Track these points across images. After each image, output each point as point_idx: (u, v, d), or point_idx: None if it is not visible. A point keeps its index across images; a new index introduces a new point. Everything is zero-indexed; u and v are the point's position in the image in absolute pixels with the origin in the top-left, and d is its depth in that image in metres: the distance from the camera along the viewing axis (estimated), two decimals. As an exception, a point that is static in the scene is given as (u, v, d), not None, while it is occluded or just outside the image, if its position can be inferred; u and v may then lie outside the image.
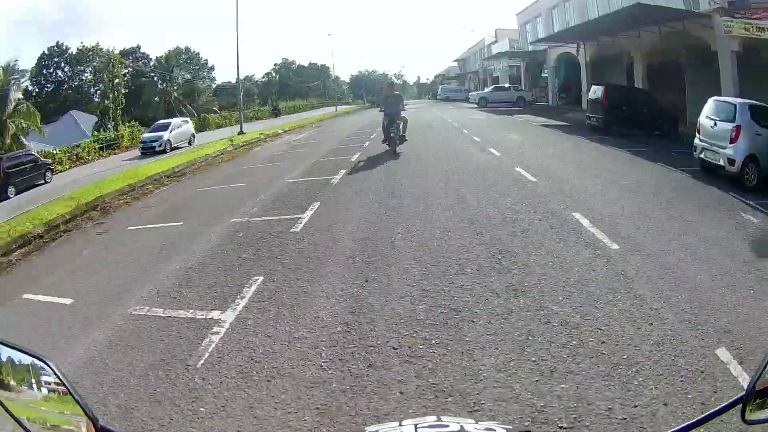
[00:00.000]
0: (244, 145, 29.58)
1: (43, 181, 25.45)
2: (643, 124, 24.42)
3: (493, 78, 67.72)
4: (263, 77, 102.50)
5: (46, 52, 69.47)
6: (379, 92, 55.54)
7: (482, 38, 71.84)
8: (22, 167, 24.41)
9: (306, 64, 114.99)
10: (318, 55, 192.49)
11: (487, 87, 65.51)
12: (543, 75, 50.67)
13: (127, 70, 72.53)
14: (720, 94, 22.85)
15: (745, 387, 1.25)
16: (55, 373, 1.26)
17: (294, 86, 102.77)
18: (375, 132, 27.07)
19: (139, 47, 75.78)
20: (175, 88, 68.84)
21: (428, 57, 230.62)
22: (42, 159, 27.00)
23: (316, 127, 41.10)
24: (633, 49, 31.75)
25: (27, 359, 1.29)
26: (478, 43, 75.40)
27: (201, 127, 48.95)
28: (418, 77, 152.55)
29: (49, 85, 70.11)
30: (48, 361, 1.28)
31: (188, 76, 77.22)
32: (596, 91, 26.13)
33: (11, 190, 23.12)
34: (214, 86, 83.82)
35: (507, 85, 54.33)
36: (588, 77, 38.90)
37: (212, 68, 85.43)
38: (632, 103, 25.14)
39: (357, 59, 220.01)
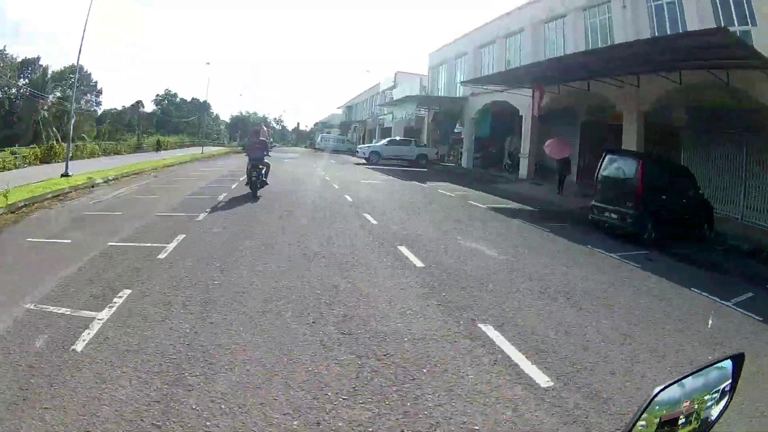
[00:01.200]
0: (25, 206, 14.57)
1: None
2: (686, 223, 14.13)
3: (383, 129, 55.52)
4: (130, 107, 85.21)
5: (-54, 54, 60.13)
6: (246, 137, 47.74)
7: (377, 82, 59.77)
8: None
9: (189, 99, 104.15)
10: (201, 91, 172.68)
11: (375, 139, 53.69)
12: (456, 130, 38.53)
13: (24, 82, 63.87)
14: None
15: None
16: None
17: (174, 120, 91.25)
18: (202, 213, 13.15)
19: (38, 59, 67.05)
20: (46, 108, 58.08)
21: (313, 102, 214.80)
22: None
23: (154, 175, 25.95)
24: (622, 101, 20.35)
25: None
26: (371, 87, 63.30)
27: (46, 157, 36.86)
28: (298, 123, 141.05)
29: (-57, 91, 60.84)
30: None
31: (58, 95, 63.64)
32: (621, 166, 14.36)
33: None
34: (100, 111, 78.12)
35: (406, 138, 41.90)
36: (533, 135, 28.39)
37: (100, 92, 79.03)
38: (672, 189, 14.05)
39: (239, 99, 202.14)
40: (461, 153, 37.65)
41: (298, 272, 8.15)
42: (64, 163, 23.44)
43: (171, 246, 9.57)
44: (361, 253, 9.66)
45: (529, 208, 17.96)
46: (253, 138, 19.33)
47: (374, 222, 12.83)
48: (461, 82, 32.40)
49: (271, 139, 59.78)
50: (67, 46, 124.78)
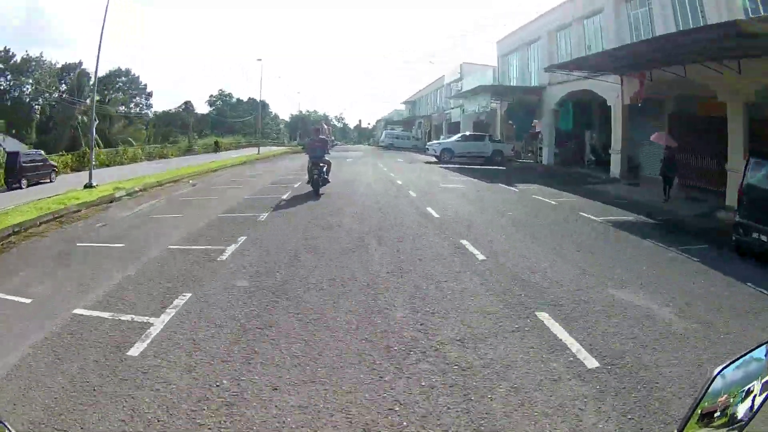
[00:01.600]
0: (14, 233, 11.64)
1: (48, 180, 27.14)
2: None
3: (450, 124, 50.95)
4: (180, 107, 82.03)
5: (-11, 58, 58.85)
6: (306, 137, 49.29)
7: (441, 75, 55.23)
8: (35, 164, 26.79)
9: (245, 99, 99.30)
10: (258, 91, 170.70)
11: (443, 135, 49.27)
12: (532, 123, 33.62)
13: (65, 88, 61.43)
14: None
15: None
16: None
17: (229, 121, 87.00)
18: (232, 243, 9.32)
19: (81, 63, 63.09)
20: (83, 111, 54.34)
21: (373, 99, 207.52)
22: (49, 161, 29.82)
23: (192, 183, 22.47)
24: (724, 90, 16.31)
25: None
26: (435, 81, 58.79)
27: (79, 165, 35.67)
28: (360, 121, 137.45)
29: (-12, 94, 59.51)
30: (3, 421, 1.28)
31: (98, 98, 60.99)
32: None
33: (24, 182, 25.28)
34: (151, 113, 75.34)
35: (480, 133, 37.31)
36: (623, 128, 23.27)
37: (150, 94, 75.79)
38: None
39: (298, 98, 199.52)
40: (540, 148, 32.80)
41: (382, 418, 3.99)
42: (91, 173, 20.33)
43: (160, 323, 5.70)
44: (485, 337, 5.37)
45: (648, 220, 13.37)
46: (313, 136, 18.61)
47: (481, 257, 8.52)
48: (546, 69, 26.96)
49: (332, 137, 56.16)
50: (114, 49, 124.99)
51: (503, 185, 20.08)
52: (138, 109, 74.17)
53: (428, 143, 38.46)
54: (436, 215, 12.50)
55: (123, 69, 73.60)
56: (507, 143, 36.10)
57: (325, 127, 28.73)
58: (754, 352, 1.39)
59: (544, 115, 31.31)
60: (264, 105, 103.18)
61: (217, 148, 59.20)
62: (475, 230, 10.82)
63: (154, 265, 8.17)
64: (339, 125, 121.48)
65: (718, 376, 1.34)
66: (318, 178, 16.69)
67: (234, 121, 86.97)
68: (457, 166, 30.55)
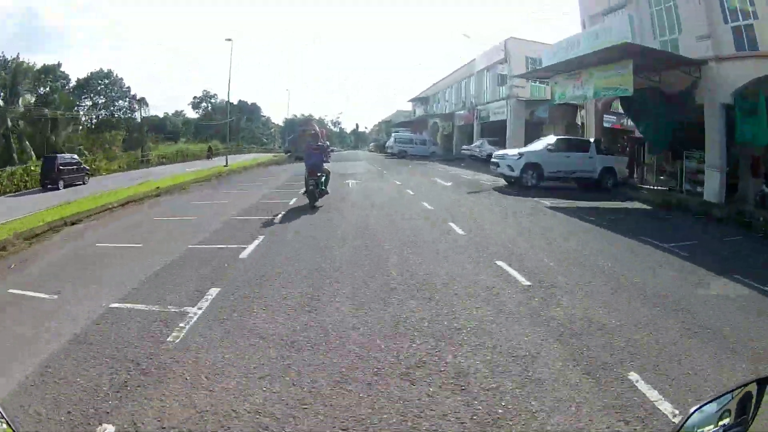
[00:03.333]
0: None
1: (81, 183, 27.90)
2: None
3: (485, 124, 34.57)
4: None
5: (-44, 60, 51.30)
6: (294, 139, 40.79)
7: (471, 59, 38.72)
8: (70, 167, 27.44)
9: (235, 102, 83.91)
10: (251, 95, 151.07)
11: (478, 139, 33.86)
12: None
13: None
14: None
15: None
16: None
17: (214, 125, 72.61)
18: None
19: (59, 65, 59.48)
20: (17, 111, 42.77)
21: (374, 99, 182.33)
22: (83, 165, 29.86)
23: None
24: None
25: None
26: (459, 69, 42.28)
27: None
28: (357, 125, 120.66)
29: (-51, 100, 51.31)
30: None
31: (29, 98, 49.22)
32: None
33: (61, 183, 26.09)
34: (140, 118, 63.31)
35: (580, 138, 20.99)
36: None
37: (134, 97, 63.55)
38: None
39: (289, 101, 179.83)
40: (690, 170, 16.84)
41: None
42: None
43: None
44: None
45: None
46: (309, 141, 15.79)
47: None
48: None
49: (328, 143, 38.88)
50: (97, 51, 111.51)
51: None
52: (121, 113, 64.37)
53: (496, 154, 20.59)
54: None
55: (105, 71, 63.80)
56: (620, 155, 19.91)
57: (317, 128, 19.20)
58: (728, 394, 1.36)
59: (706, 111, 15.05)
60: (255, 108, 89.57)
61: (210, 154, 52.67)
62: None
63: None
64: (335, 129, 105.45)
65: (695, 414, 1.36)
66: (314, 188, 14.34)
67: (218, 124, 71.21)
68: (564, 202, 14.58)
